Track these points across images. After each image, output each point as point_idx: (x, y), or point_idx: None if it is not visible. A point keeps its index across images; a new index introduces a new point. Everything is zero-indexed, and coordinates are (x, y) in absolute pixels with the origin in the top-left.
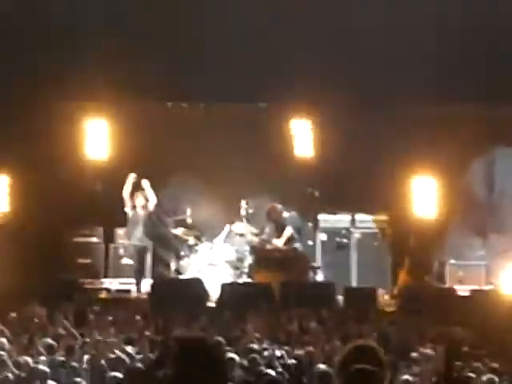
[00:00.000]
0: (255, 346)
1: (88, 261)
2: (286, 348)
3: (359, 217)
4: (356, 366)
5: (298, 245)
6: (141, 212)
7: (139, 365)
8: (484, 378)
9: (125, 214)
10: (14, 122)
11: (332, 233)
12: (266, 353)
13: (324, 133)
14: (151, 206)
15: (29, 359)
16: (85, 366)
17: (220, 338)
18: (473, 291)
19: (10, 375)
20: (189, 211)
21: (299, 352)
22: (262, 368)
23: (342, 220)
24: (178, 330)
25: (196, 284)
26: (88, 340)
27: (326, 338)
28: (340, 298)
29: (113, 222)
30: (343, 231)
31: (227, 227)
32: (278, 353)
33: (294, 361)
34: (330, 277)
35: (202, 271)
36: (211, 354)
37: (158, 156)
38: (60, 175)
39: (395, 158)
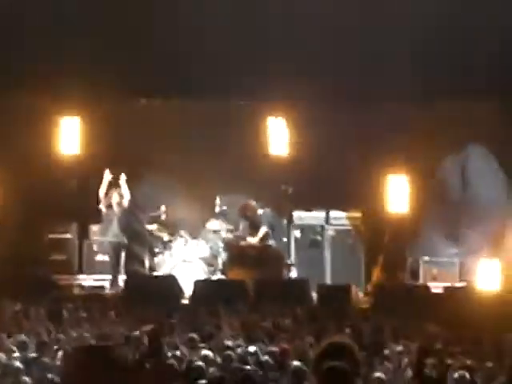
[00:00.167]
0: (229, 343)
1: (62, 257)
2: (260, 345)
3: (333, 214)
4: (330, 363)
5: (272, 242)
6: (116, 208)
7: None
8: (457, 374)
9: (99, 210)
10: None
11: (306, 230)
12: (239, 350)
13: (299, 131)
14: (126, 202)
15: (2, 355)
16: (58, 362)
17: (194, 335)
18: (446, 288)
19: None
20: (163, 208)
21: (273, 349)
22: (236, 364)
23: (316, 217)
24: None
25: (170, 281)
26: (62, 336)
27: (299, 334)
28: (314, 295)
29: (87, 219)
30: (317, 228)
31: (201, 224)
32: (251, 349)
33: (267, 357)
34: (303, 274)
35: (177, 268)
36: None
37: (132, 153)
38: (34, 172)
39: (369, 155)
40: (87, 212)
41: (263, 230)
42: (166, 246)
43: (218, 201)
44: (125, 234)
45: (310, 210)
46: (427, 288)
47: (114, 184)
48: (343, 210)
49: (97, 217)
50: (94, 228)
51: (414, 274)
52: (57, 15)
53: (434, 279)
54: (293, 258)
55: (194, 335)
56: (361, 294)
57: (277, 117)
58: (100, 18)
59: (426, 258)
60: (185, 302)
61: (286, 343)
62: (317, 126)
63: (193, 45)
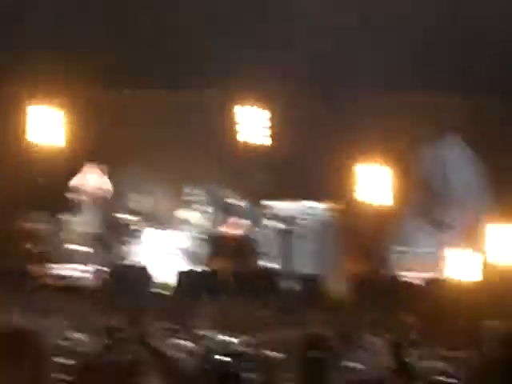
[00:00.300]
0: (207, 334)
1: (36, 247)
2: (238, 335)
3: (309, 204)
4: (309, 353)
5: (248, 232)
6: (92, 199)
7: (86, 351)
8: (433, 364)
9: (73, 200)
10: None
11: (282, 220)
12: (217, 340)
13: (275, 120)
14: (103, 192)
15: None
16: None
17: (171, 325)
18: (423, 279)
19: None
20: (135, 197)
21: (250, 339)
22: (215, 355)
23: (292, 207)
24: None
25: (141, 270)
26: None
27: (276, 325)
28: (291, 285)
29: (61, 208)
30: (294, 219)
31: (175, 214)
32: (229, 340)
33: (245, 349)
34: (280, 265)
35: (150, 258)
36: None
37: (103, 143)
38: (6, 161)
39: (346, 145)
40: (61, 201)
41: (240, 220)
42: (138, 235)
43: (192, 190)
44: (99, 223)
45: (286, 201)
46: (405, 279)
47: (91, 174)
48: (321, 200)
49: (71, 206)
50: (68, 218)
51: (390, 265)
52: (33, 1)
53: (410, 270)
54: (269, 249)
55: (172, 326)
56: (337, 285)
57: (250, 105)
58: (85, 8)
59: (405, 249)
60: (160, 292)
61: (263, 334)
62: (293, 115)
63: (168, 34)
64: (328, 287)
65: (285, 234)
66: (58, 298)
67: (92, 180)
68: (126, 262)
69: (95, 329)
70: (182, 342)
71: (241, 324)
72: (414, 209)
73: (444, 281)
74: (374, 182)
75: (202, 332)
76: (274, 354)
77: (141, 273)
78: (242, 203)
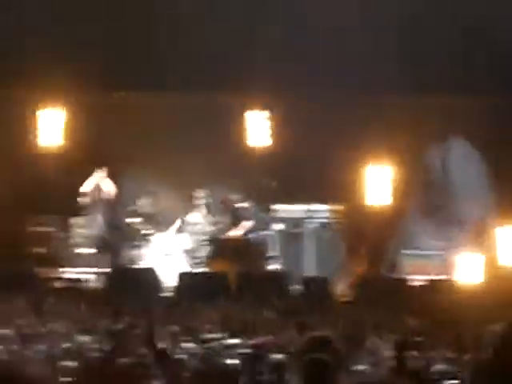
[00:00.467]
0: (210, 336)
1: (43, 250)
2: (242, 337)
3: (314, 207)
4: (312, 355)
5: (253, 235)
6: (100, 202)
7: (94, 354)
8: (438, 367)
9: (80, 203)
10: None
11: (288, 223)
12: (221, 342)
13: (280, 123)
14: (110, 196)
15: None
16: (39, 355)
17: (175, 327)
18: (427, 281)
19: None
20: (143, 201)
21: (254, 341)
22: (218, 357)
23: (297, 210)
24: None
25: (149, 273)
26: (43, 330)
27: (280, 327)
28: (295, 288)
29: (68, 211)
30: (299, 221)
31: (182, 217)
32: (233, 342)
33: (248, 350)
34: (285, 267)
35: (157, 261)
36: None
37: (112, 145)
38: (13, 164)
39: (351, 147)
40: (68, 205)
41: (246, 223)
42: (146, 239)
43: (199, 193)
44: (108, 227)
45: (291, 203)
46: (409, 281)
47: (98, 178)
48: (325, 202)
49: (78, 209)
50: (76, 221)
51: (395, 267)
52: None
53: (416, 272)
54: (274, 251)
55: (176, 328)
56: (342, 287)
57: (258, 110)
58: (78, 10)
59: (408, 251)
60: (165, 294)
61: (267, 336)
62: (298, 118)
63: (172, 37)
64: (333, 289)
65: (291, 237)
66: (66, 301)
67: (99, 184)
68: (133, 265)
69: (102, 332)
70: (187, 344)
71: (245, 326)
72: (419, 210)
73: (450, 283)
74: (379, 184)
75: (206, 334)
76: (278, 356)
77: (147, 275)
78: (249, 206)
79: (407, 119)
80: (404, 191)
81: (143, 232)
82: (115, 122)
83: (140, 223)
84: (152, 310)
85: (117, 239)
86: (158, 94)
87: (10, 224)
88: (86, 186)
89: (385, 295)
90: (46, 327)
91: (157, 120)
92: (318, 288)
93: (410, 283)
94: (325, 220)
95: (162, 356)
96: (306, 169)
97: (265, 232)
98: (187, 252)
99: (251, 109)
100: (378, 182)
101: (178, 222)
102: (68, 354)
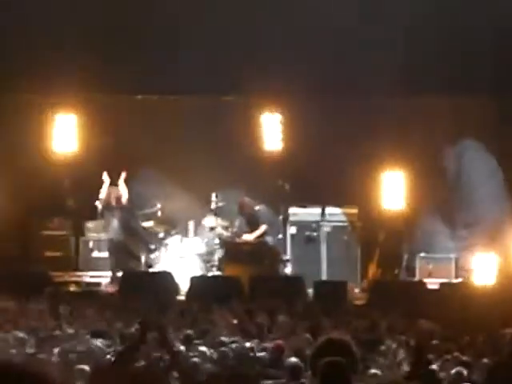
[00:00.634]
0: (224, 339)
1: (58, 254)
2: (256, 341)
3: (329, 210)
4: (327, 358)
5: (268, 238)
6: (115, 206)
7: (109, 357)
8: (453, 371)
9: (94, 207)
10: None
11: (302, 226)
12: (234, 346)
13: (294, 126)
14: (125, 200)
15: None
16: (54, 358)
17: (189, 331)
18: (442, 284)
19: None
20: (159, 205)
21: (269, 345)
22: (232, 361)
23: (311, 213)
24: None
25: (166, 277)
26: (58, 333)
27: (295, 331)
28: (309, 291)
29: (82, 215)
30: (313, 224)
31: (197, 220)
32: (247, 346)
33: (263, 354)
34: (299, 270)
35: (172, 264)
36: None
37: (127, 149)
38: (28, 168)
39: (365, 150)
40: (82, 208)
41: (263, 227)
42: (161, 242)
43: (213, 197)
44: (123, 231)
45: (305, 207)
46: (423, 284)
47: (113, 182)
48: (339, 206)
49: (92, 213)
50: (90, 225)
51: (410, 270)
52: (53, 12)
53: (430, 275)
54: (288, 255)
55: (190, 331)
56: (357, 290)
57: (272, 112)
58: (95, 14)
59: (422, 254)
60: (181, 298)
61: (282, 340)
62: (312, 121)
63: (187, 42)
64: (348, 292)
65: (305, 240)
66: (81, 305)
67: (115, 188)
68: (148, 269)
69: (117, 335)
70: (202, 347)
71: (260, 329)
72: (433, 214)
73: (463, 286)
74: (393, 188)
75: (220, 337)
76: (291, 359)
77: (162, 279)
78: (264, 209)
79: (421, 123)
80: (418, 194)
81: (159, 236)
82: (130, 127)
83: (155, 227)
84: (167, 313)
85: (132, 243)
86: (173, 97)
87: (26, 228)
88: (102, 190)
89: (399, 298)
90: (61, 330)
91: (171, 124)
92: (332, 291)
93: (424, 286)
94: (339, 223)
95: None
96: (321, 172)
97: (279, 235)
98: (202, 256)
99: (266, 112)
100: (393, 185)
101: (192, 226)
102: (83, 358)
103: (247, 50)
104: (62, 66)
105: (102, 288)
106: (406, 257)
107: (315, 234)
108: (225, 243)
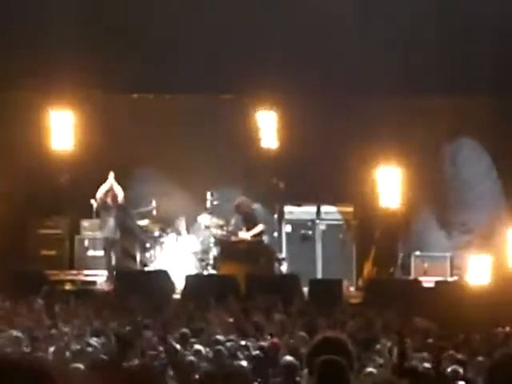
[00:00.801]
0: (220, 338)
1: (53, 252)
2: (251, 339)
3: (324, 208)
4: (323, 357)
5: (264, 237)
6: (111, 204)
7: (104, 356)
8: (449, 369)
9: (90, 205)
10: None
11: (297, 224)
12: (230, 344)
13: (289, 124)
14: (120, 198)
15: None
16: (50, 357)
17: (185, 330)
18: (438, 282)
19: None
20: (154, 203)
21: (264, 343)
22: (227, 359)
23: (307, 212)
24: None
25: (161, 276)
26: (53, 331)
27: (290, 329)
28: (305, 289)
29: (78, 214)
30: (308, 223)
31: (192, 219)
32: (242, 344)
33: (258, 352)
34: (295, 268)
35: (168, 263)
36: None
37: (123, 147)
38: (24, 166)
39: (360, 149)
40: (78, 207)
41: (260, 226)
42: (157, 241)
43: (209, 196)
44: (119, 229)
45: (300, 205)
46: (418, 282)
47: (111, 180)
48: (334, 204)
49: (88, 212)
50: (86, 223)
51: (406, 269)
52: (52, 12)
53: (426, 273)
54: (284, 253)
55: (185, 330)
56: (352, 289)
57: (267, 110)
58: (93, 12)
59: (418, 253)
60: (176, 296)
61: (277, 338)
62: (307, 120)
63: (184, 40)
64: (343, 291)
65: (301, 238)
66: (77, 303)
67: (112, 187)
68: (144, 267)
69: (112, 333)
70: (198, 346)
71: (256, 328)
72: (428, 212)
73: (458, 284)
74: (388, 186)
75: (216, 336)
76: (287, 357)
77: (158, 277)
78: (259, 208)
79: (417, 121)
80: (414, 193)
81: (154, 234)
82: (126, 125)
83: (150, 225)
84: (163, 311)
85: (128, 242)
86: (169, 95)
87: (22, 226)
88: (99, 189)
89: (395, 297)
90: (57, 329)
91: (166, 123)
92: (328, 290)
93: (420, 285)
94: (335, 222)
95: (173, 357)
96: (316, 171)
97: (274, 234)
98: (197, 254)
99: (261, 110)
100: (389, 184)
101: (187, 224)
102: (78, 356)
103: (244, 49)
104: (60, 64)
105: (98, 286)
106: (401, 255)
107: (310, 232)
108: (220, 242)
